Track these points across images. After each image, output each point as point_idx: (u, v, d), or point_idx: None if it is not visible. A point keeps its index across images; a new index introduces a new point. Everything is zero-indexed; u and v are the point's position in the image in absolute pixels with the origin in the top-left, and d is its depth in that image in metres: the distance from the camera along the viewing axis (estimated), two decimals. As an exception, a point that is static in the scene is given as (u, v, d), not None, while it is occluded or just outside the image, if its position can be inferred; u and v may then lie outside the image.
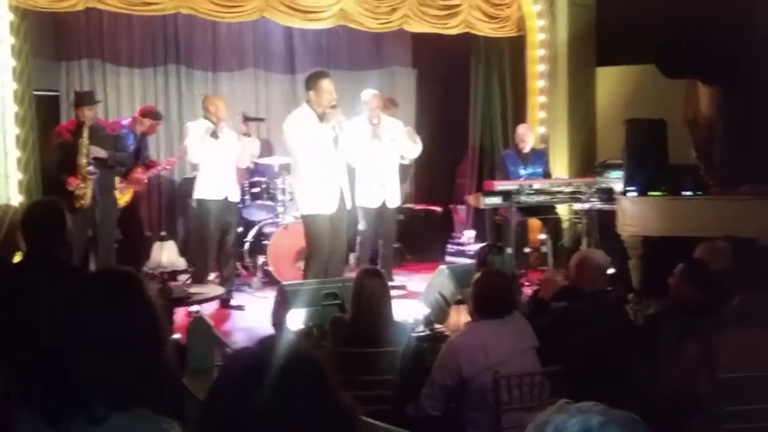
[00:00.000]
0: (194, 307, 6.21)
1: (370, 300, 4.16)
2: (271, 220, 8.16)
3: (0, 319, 3.24)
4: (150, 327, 1.81)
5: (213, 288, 6.45)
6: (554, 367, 3.47)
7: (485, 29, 9.05)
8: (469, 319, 4.25)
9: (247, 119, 7.47)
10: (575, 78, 9.23)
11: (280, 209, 8.06)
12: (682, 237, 6.01)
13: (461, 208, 9.68)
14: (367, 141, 7.40)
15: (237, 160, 7.20)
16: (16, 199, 6.83)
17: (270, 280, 7.67)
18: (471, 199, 8.71)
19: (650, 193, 6.91)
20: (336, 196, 6.62)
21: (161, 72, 8.95)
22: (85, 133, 6.69)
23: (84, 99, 6.94)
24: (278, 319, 5.54)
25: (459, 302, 4.95)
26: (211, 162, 6.99)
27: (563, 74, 9.21)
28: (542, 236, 8.62)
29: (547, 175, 8.42)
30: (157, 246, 5.48)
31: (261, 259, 7.90)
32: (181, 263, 5.81)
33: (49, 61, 8.32)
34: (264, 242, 7.91)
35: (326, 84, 6.50)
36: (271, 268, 7.75)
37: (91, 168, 6.66)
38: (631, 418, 1.37)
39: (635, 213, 6.90)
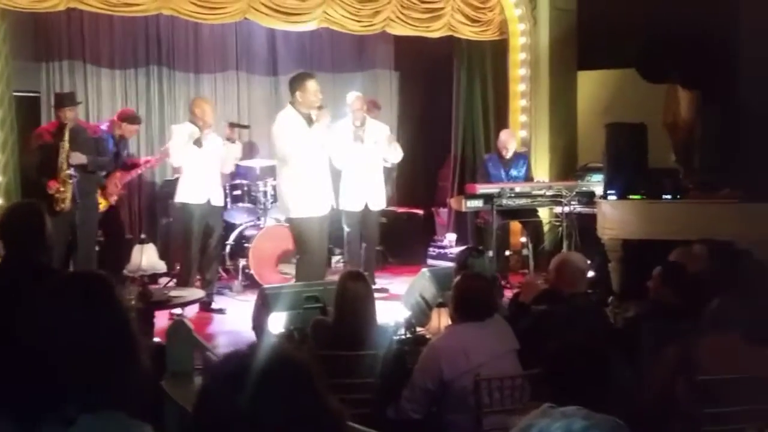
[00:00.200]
0: (176, 310, 6.19)
1: (353, 303, 4.13)
2: (252, 223, 8.14)
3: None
4: (121, 329, 1.81)
5: (193, 291, 6.39)
6: (535, 370, 3.47)
7: (468, 32, 9.08)
8: (450, 322, 4.25)
9: (232, 125, 7.42)
10: (556, 82, 9.27)
11: (261, 212, 8.04)
12: (662, 240, 6.04)
13: (443, 211, 9.70)
14: (350, 143, 7.40)
15: (221, 165, 7.16)
16: (-5, 201, 6.77)
17: (251, 283, 7.64)
18: (453, 202, 8.73)
19: (630, 196, 6.93)
20: (326, 198, 6.63)
21: (143, 73, 8.89)
22: (66, 136, 6.65)
23: (65, 100, 6.90)
24: (259, 323, 5.52)
25: (440, 305, 4.95)
26: (194, 166, 6.94)
27: (545, 78, 9.25)
28: (523, 239, 8.66)
29: (528, 178, 8.45)
30: (137, 249, 5.46)
31: (242, 262, 7.87)
32: (161, 266, 5.79)
33: (29, 62, 8.24)
34: (245, 245, 7.89)
35: (312, 84, 6.49)
36: (252, 271, 7.72)
37: (71, 171, 6.62)
38: (614, 422, 1.37)
39: (615, 216, 6.93)
